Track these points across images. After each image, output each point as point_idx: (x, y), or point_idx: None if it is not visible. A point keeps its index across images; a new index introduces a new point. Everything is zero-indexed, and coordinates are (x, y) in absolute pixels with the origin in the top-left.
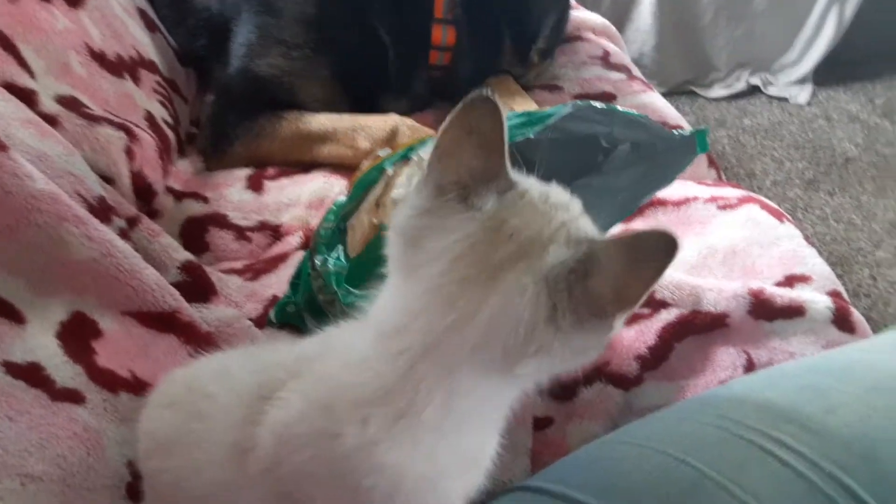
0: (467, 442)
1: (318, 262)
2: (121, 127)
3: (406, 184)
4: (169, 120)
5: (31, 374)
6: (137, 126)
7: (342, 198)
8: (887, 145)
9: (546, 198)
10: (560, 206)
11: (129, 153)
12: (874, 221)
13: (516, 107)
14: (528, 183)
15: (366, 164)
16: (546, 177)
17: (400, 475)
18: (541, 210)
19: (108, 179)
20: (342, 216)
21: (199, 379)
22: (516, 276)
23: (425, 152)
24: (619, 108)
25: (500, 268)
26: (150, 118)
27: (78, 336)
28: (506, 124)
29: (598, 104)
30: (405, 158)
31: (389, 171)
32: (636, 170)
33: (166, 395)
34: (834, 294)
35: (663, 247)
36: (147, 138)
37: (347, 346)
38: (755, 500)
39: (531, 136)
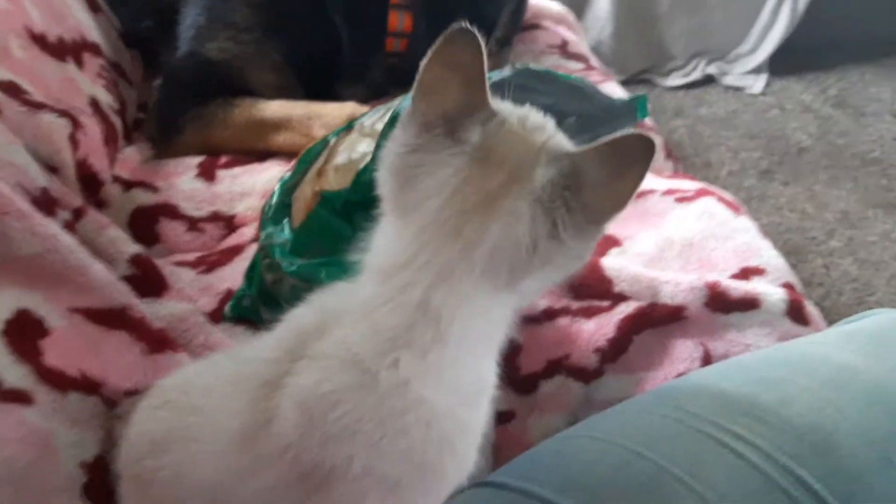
0: (478, 367)
1: (262, 236)
2: (64, 114)
3: (348, 149)
4: (115, 105)
5: None
6: (82, 112)
7: (287, 174)
8: (840, 136)
9: (524, 122)
10: (537, 127)
11: (74, 141)
12: (827, 211)
13: None
14: (506, 109)
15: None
16: None
17: (432, 409)
18: (521, 135)
19: (51, 169)
20: (286, 190)
21: (189, 380)
22: (511, 201)
23: (368, 119)
24: (558, 72)
25: (495, 195)
26: (94, 104)
27: (24, 334)
28: (485, 55)
29: (536, 67)
30: (349, 129)
31: (332, 140)
32: (581, 139)
33: (158, 398)
34: (788, 286)
35: (642, 147)
36: (92, 125)
37: (354, 302)
38: (713, 492)
39: None
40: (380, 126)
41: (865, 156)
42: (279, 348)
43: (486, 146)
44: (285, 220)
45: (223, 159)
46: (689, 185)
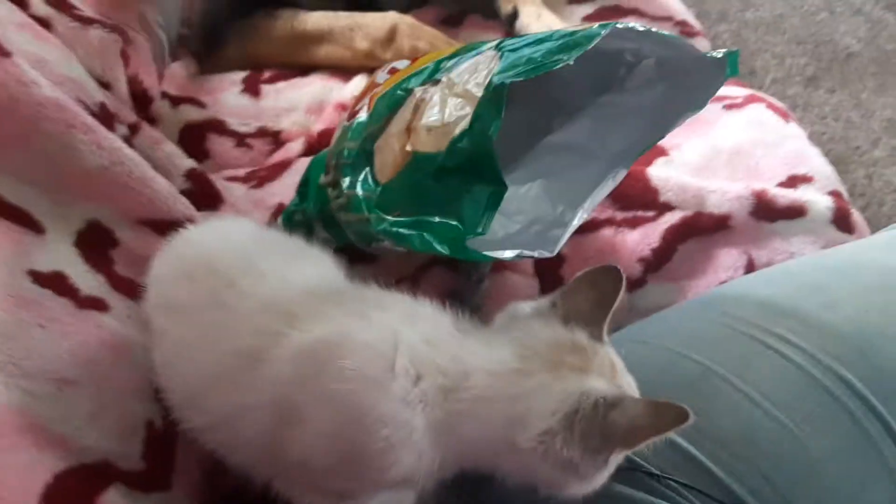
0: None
1: (344, 184)
2: (114, 29)
3: (439, 108)
4: (160, 20)
5: (57, 283)
6: (130, 28)
7: (363, 116)
8: (889, 40)
9: (613, 366)
10: (619, 374)
11: (125, 56)
12: (872, 120)
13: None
14: (612, 350)
15: (381, 76)
16: (567, 91)
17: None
18: (602, 366)
19: (104, 85)
20: (367, 136)
21: (224, 261)
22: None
23: (455, 73)
24: (657, 30)
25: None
26: (142, 19)
27: (96, 245)
28: (623, 292)
29: (639, 26)
30: (433, 79)
31: (417, 92)
32: (659, 88)
33: (182, 260)
34: (835, 194)
35: (674, 418)
36: (141, 41)
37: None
38: (757, 391)
39: (571, 62)
40: (472, 88)
41: None
42: (328, 294)
43: (578, 341)
44: (367, 169)
45: (267, 74)
46: (737, 91)
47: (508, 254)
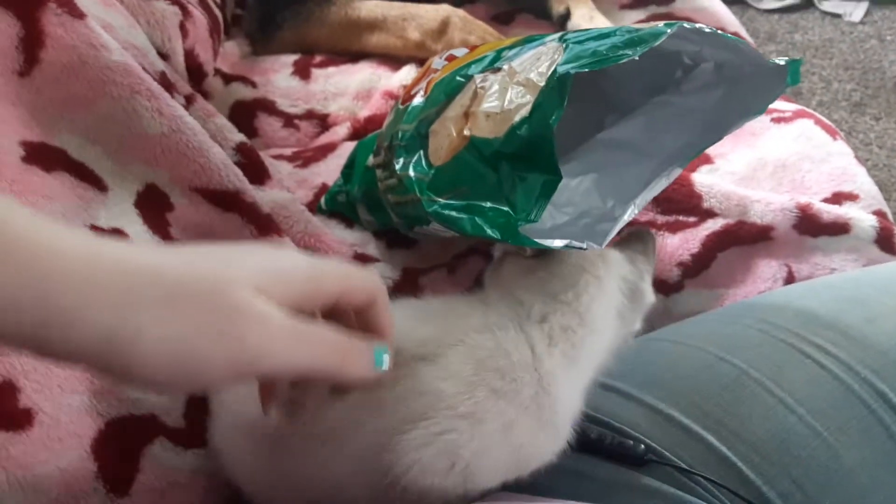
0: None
1: (397, 166)
2: (175, 2)
3: (499, 95)
4: None
5: (116, 239)
6: (189, 3)
7: (419, 100)
8: None
9: None
10: None
11: (183, 29)
12: None
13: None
14: None
15: (437, 62)
16: (622, 91)
17: None
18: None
19: (162, 56)
20: (422, 120)
21: None
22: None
23: (516, 61)
24: (722, 32)
25: None
26: None
27: (153, 207)
28: None
29: (705, 28)
30: (493, 67)
31: (477, 78)
32: (717, 92)
33: None
34: (879, 214)
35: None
36: (199, 16)
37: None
38: (792, 398)
39: (636, 58)
40: (535, 77)
41: None
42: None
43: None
44: (420, 152)
45: (317, 58)
46: (786, 105)
47: (558, 243)
